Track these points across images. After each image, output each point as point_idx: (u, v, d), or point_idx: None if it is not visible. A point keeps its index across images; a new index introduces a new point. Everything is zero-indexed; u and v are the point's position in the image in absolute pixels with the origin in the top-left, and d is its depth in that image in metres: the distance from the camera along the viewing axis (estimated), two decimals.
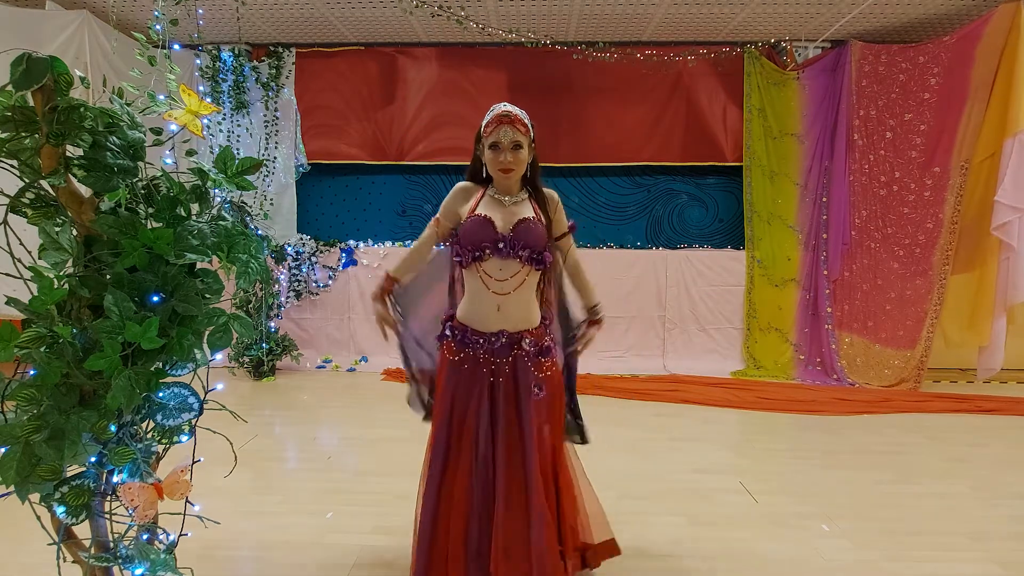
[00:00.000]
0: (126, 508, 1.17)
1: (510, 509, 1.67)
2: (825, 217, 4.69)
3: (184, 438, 1.26)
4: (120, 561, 1.21)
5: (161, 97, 1.23)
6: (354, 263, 4.99)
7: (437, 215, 1.85)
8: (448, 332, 1.79)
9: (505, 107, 1.70)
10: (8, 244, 1.08)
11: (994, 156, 4.17)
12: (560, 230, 1.85)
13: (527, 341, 1.72)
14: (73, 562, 1.22)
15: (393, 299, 1.90)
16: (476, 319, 1.74)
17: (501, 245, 1.67)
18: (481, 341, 1.72)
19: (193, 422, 1.25)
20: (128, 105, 1.19)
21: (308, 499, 2.61)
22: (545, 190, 1.82)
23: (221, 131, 4.86)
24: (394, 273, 1.90)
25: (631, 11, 4.29)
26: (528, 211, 1.74)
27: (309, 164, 5.09)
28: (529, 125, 1.72)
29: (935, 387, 4.51)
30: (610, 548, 2.01)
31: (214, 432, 1.30)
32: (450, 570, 1.70)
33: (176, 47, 2.50)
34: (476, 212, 1.71)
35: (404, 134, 5.05)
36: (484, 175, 1.79)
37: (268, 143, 4.94)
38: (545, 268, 1.75)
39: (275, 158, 4.95)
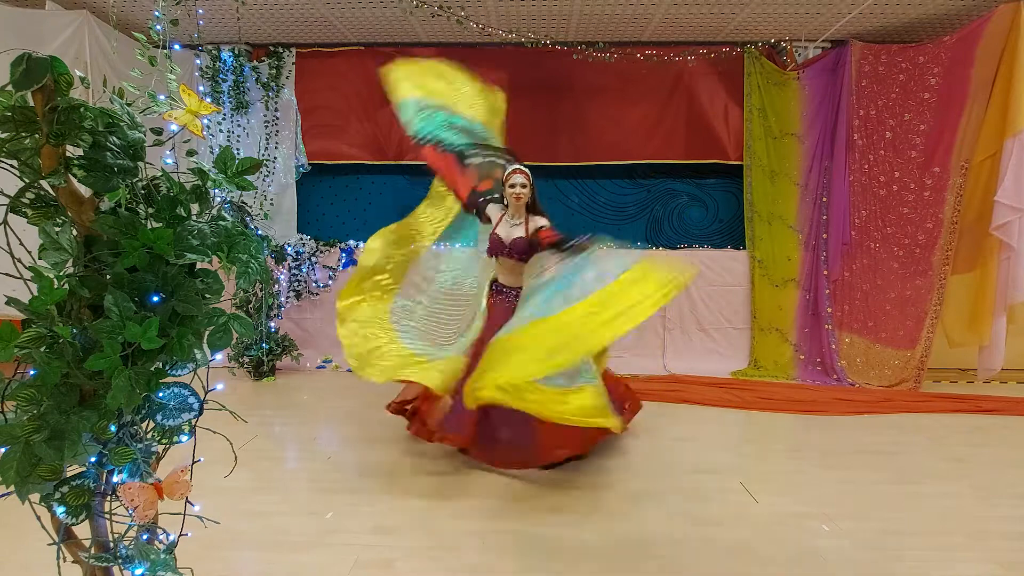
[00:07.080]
0: (126, 508, 1.17)
1: None
2: (825, 217, 4.69)
3: (184, 438, 1.26)
4: (120, 561, 1.21)
5: (161, 97, 1.23)
6: (354, 263, 4.98)
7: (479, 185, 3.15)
8: (494, 285, 3.17)
9: (518, 165, 3.05)
10: (8, 244, 1.07)
11: (994, 156, 4.17)
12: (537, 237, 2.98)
13: (514, 293, 3.08)
14: (73, 562, 1.22)
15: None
16: (500, 278, 3.15)
17: (504, 252, 3.02)
18: (503, 289, 3.12)
19: (193, 422, 1.25)
20: (128, 105, 1.18)
21: (308, 499, 2.62)
22: (533, 218, 3.00)
23: (221, 131, 4.86)
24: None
25: (631, 11, 4.29)
26: (521, 232, 2.99)
27: (309, 164, 5.09)
28: (529, 174, 3.03)
29: (935, 387, 4.51)
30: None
31: (214, 432, 1.30)
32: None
33: (176, 47, 2.51)
34: (496, 231, 3.03)
35: (404, 134, 5.02)
36: (504, 202, 3.08)
37: (268, 143, 4.94)
38: (525, 261, 3.02)
39: (275, 158, 4.95)
